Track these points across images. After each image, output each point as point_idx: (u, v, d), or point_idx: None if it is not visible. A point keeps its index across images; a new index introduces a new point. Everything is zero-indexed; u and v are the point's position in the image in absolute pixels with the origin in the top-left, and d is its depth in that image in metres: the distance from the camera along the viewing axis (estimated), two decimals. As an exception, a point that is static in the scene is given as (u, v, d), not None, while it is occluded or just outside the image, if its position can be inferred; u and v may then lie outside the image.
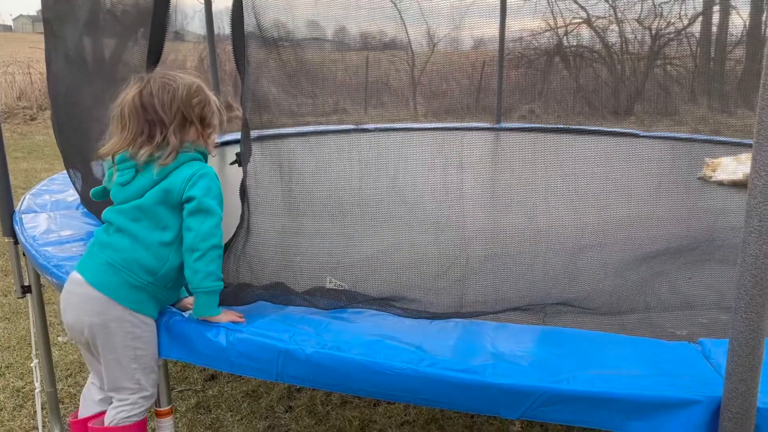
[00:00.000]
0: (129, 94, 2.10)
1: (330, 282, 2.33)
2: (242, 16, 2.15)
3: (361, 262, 2.19)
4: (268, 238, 2.10)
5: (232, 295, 2.25)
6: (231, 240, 2.22)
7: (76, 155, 3.39)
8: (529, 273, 2.11)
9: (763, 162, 1.48)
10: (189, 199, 2.00)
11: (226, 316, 2.13)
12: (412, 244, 2.16)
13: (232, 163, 2.19)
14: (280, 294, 2.28)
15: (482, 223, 2.11)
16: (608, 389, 1.75)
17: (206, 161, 2.16)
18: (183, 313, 2.22)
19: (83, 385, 2.42)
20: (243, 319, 2.14)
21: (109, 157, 2.13)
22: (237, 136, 2.19)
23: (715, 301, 2.08)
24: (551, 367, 1.85)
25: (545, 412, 1.78)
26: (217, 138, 2.19)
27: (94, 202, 3.33)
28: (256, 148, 2.10)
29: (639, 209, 2.18)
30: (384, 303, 2.18)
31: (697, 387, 1.76)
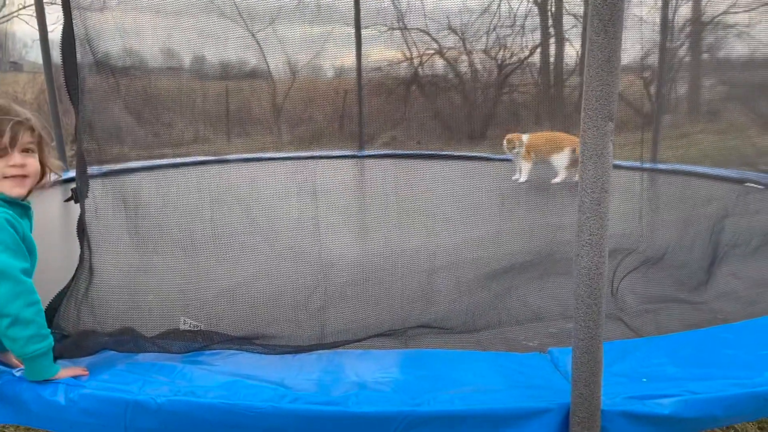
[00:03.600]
0: None
1: (184, 323, 2.20)
2: (73, 44, 2.01)
3: (216, 299, 2.09)
4: (114, 278, 1.94)
5: (73, 346, 2.05)
6: (70, 284, 2.03)
7: None
8: (388, 297, 2.12)
9: (590, 181, 1.60)
10: None
11: (66, 371, 1.93)
12: (270, 277, 2.10)
13: (67, 200, 2.01)
14: (128, 340, 2.11)
15: (341, 250, 2.10)
16: (466, 407, 1.79)
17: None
18: (13, 370, 1.98)
19: None
20: (86, 373, 1.95)
21: None
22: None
23: (561, 311, 2.22)
24: (413, 390, 1.86)
25: (409, 436, 1.78)
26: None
27: None
28: (96, 182, 1.94)
29: (486, 229, 2.29)
30: (243, 341, 2.09)
31: (548, 395, 1.85)
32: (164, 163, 2.19)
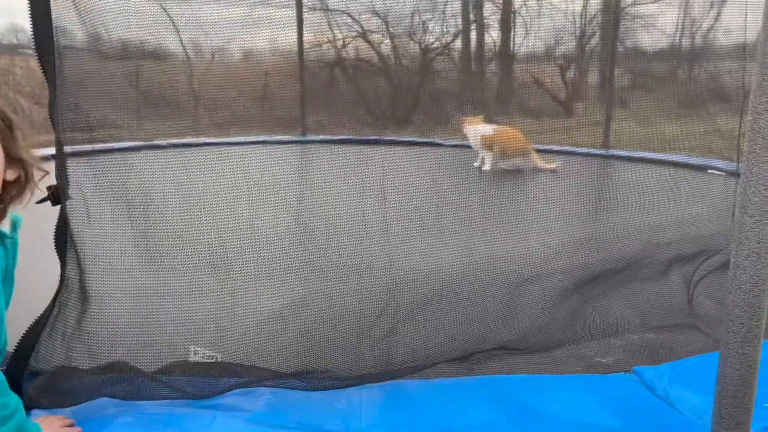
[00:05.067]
0: None
1: (195, 353, 1.72)
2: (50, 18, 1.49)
3: (256, 328, 1.62)
4: (119, 306, 1.45)
5: (51, 391, 1.55)
6: (48, 313, 1.52)
7: None
8: (465, 317, 1.75)
9: (762, 176, 1.30)
10: None
11: (48, 426, 1.44)
12: (322, 297, 1.66)
13: (40, 201, 1.48)
14: (126, 381, 1.61)
15: (414, 263, 1.70)
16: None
17: None
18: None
19: None
20: (77, 430, 1.46)
21: None
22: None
23: (640, 322, 1.94)
24: (516, 435, 1.51)
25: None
26: None
27: None
28: (86, 176, 1.44)
29: (579, 232, 1.97)
30: (280, 375, 1.65)
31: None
32: (178, 143, 1.66)
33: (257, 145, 2.04)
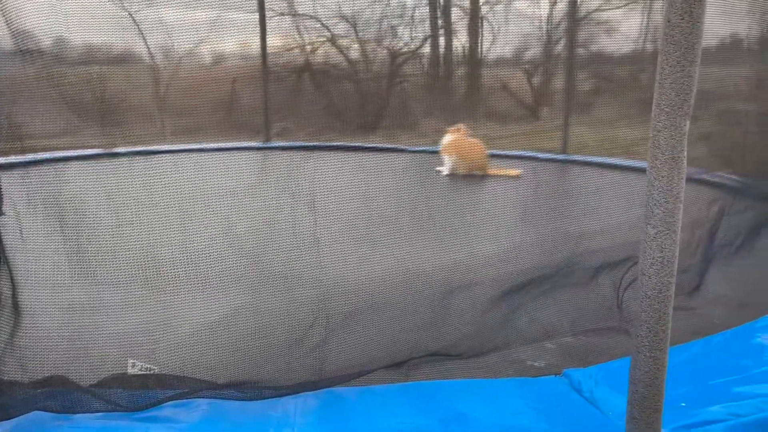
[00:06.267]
0: None
1: (133, 366, 1.74)
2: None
3: (189, 340, 1.66)
4: (52, 320, 1.48)
5: (-13, 406, 1.56)
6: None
7: None
8: (399, 324, 1.80)
9: (663, 190, 1.38)
10: None
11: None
12: (255, 308, 1.70)
13: (-26, 218, 1.51)
14: (62, 394, 1.63)
15: (346, 273, 1.74)
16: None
17: None
18: None
19: None
20: (10, 445, 1.48)
21: None
22: None
23: (570, 326, 2.02)
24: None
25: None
26: None
27: None
28: (21, 192, 1.46)
29: (507, 242, 2.03)
30: (216, 386, 1.68)
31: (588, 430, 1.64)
32: (111, 152, 1.67)
33: (193, 154, 2.07)
